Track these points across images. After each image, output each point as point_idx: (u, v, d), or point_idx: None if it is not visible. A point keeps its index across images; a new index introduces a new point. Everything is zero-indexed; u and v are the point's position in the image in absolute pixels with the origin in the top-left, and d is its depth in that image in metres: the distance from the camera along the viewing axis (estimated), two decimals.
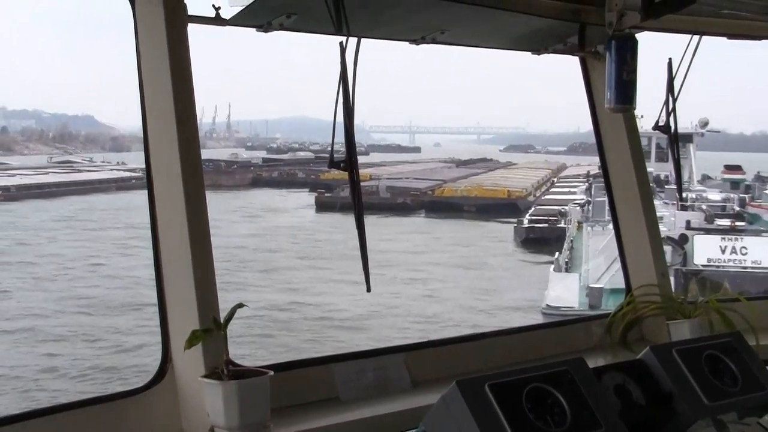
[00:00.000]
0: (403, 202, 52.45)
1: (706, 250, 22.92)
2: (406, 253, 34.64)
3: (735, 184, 36.99)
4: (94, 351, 20.20)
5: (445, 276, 30.33)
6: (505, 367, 2.57)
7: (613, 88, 3.11)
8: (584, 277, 23.20)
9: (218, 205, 44.16)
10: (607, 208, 3.97)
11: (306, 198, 56.60)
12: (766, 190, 36.20)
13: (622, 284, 3.82)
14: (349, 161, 2.66)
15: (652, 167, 29.32)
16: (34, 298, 25.61)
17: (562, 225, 36.76)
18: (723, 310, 3.42)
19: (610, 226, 3.91)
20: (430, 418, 2.25)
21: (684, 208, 24.95)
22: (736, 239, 23.09)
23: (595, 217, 25.96)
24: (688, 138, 33.74)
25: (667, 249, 20.82)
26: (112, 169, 75.44)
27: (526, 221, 40.52)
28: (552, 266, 26.13)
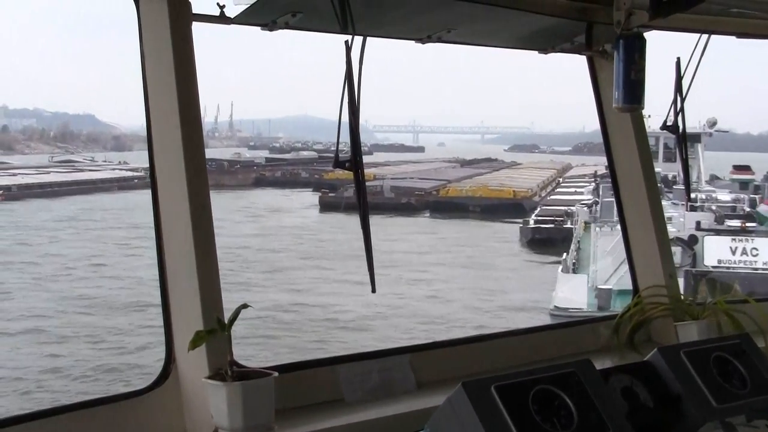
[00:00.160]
0: (408, 203, 52.45)
1: (716, 251, 22.85)
2: (410, 254, 34.64)
3: (744, 185, 36.74)
4: (95, 352, 20.20)
5: (451, 276, 30.32)
6: (512, 368, 2.56)
7: (621, 87, 3.09)
8: (592, 278, 23.15)
9: (222, 205, 44.22)
10: (615, 208, 3.95)
11: (310, 198, 56.65)
12: None
13: (630, 285, 3.80)
14: (354, 161, 2.65)
15: (660, 167, 29.27)
16: (36, 299, 25.64)
17: (568, 225, 36.73)
18: (731, 311, 3.39)
19: (619, 226, 3.88)
20: (435, 420, 2.23)
21: (693, 209, 24.89)
22: (747, 240, 23.02)
23: (603, 218, 25.93)
24: (696, 138, 33.62)
25: (677, 250, 20.82)
26: (114, 169, 75.48)
27: (531, 222, 40.46)
28: (560, 267, 26.09)
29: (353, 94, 2.59)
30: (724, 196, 31.28)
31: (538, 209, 45.64)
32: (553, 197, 53.79)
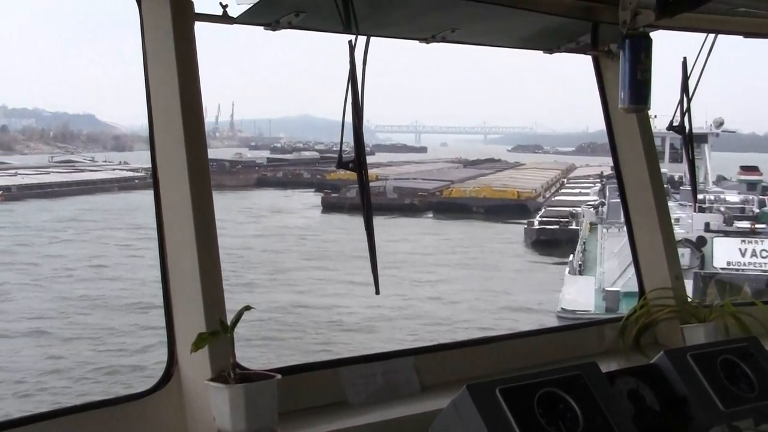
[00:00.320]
0: (411, 203, 52.44)
1: (725, 253, 22.76)
2: (414, 255, 34.62)
3: (752, 186, 36.46)
4: (96, 353, 20.18)
5: (455, 278, 30.28)
6: (517, 371, 2.54)
7: (627, 87, 3.06)
8: (599, 280, 23.07)
9: (224, 205, 44.26)
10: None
11: (312, 198, 56.68)
12: None
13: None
14: (358, 161, 2.63)
15: (666, 168, 29.18)
16: (37, 299, 25.65)
17: (573, 227, 36.66)
18: (739, 314, 3.37)
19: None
20: (439, 423, 2.22)
21: (702, 210, 24.80)
22: (757, 242, 22.91)
23: (610, 219, 25.87)
24: (702, 138, 33.49)
25: (686, 251, 20.74)
26: (114, 169, 75.48)
27: (536, 223, 40.42)
28: (567, 269, 26.02)
29: (357, 95, 2.58)
30: (733, 197, 31.04)
31: (543, 210, 45.60)
32: (557, 198, 53.73)
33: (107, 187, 61.91)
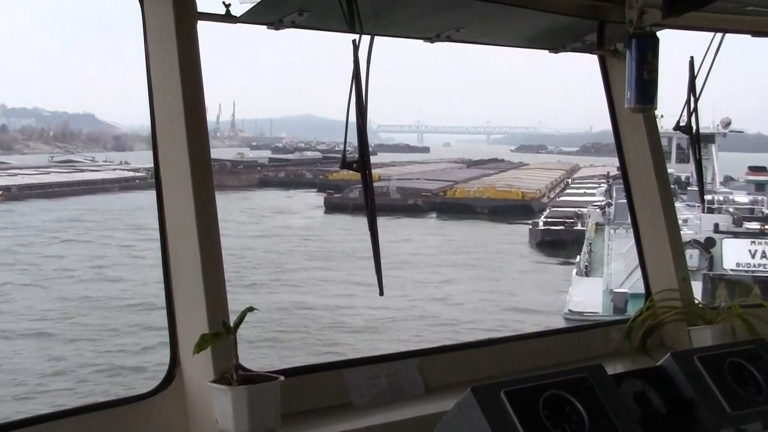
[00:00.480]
0: (415, 204, 52.41)
1: (735, 254, 22.63)
2: (418, 255, 34.59)
3: (760, 186, 36.13)
4: (97, 354, 20.17)
5: (460, 278, 30.25)
6: (522, 373, 2.52)
7: (634, 87, 3.04)
8: (607, 281, 22.97)
9: (227, 205, 44.26)
10: None
11: (315, 198, 56.66)
12: None
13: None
14: (362, 162, 2.61)
15: (673, 168, 29.02)
16: (38, 299, 25.66)
17: (579, 227, 36.55)
18: (746, 315, 3.34)
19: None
20: (444, 425, 2.21)
21: (711, 211, 24.65)
22: (767, 243, 22.76)
23: (617, 220, 25.74)
24: (710, 138, 33.28)
25: (694, 252, 20.62)
26: (115, 169, 75.43)
27: (541, 223, 40.32)
28: (574, 270, 25.92)
29: (361, 94, 2.56)
30: (742, 197, 30.78)
31: (548, 211, 45.48)
32: (562, 198, 53.63)
33: (108, 187, 61.87)
